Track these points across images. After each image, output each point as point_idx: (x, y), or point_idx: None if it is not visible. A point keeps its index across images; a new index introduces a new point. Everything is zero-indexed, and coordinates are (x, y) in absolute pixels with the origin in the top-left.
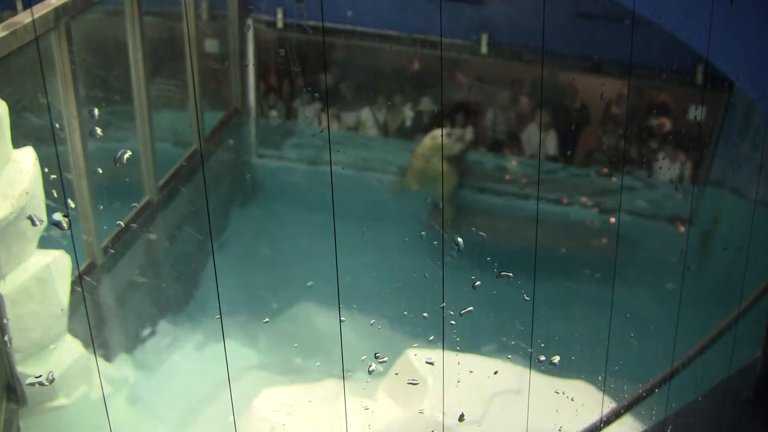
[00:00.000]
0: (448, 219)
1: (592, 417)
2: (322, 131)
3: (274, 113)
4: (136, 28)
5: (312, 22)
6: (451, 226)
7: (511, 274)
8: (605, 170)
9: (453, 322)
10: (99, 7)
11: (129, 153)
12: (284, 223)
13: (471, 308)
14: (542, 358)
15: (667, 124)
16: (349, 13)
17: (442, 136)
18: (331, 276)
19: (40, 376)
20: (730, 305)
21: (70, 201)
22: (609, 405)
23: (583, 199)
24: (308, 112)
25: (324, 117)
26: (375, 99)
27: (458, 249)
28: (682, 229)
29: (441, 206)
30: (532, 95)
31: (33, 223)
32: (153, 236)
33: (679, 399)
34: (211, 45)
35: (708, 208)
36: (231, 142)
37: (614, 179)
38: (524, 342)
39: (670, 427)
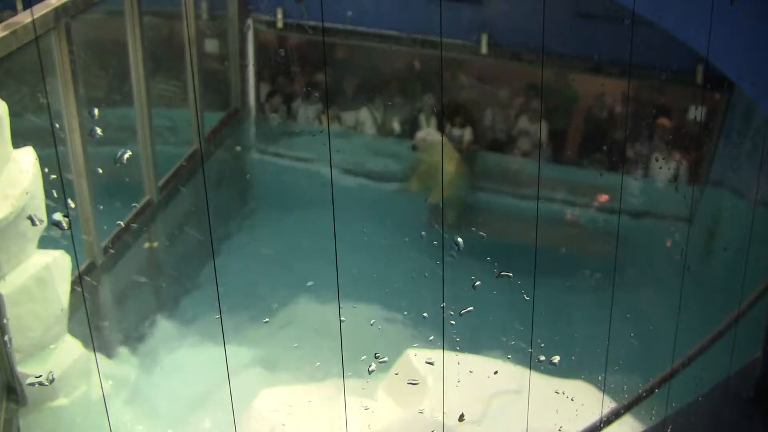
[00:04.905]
0: (450, 219)
1: (592, 417)
2: (321, 131)
3: (273, 113)
4: (136, 28)
5: (312, 22)
6: (457, 226)
7: (510, 274)
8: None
9: (453, 322)
10: (99, 7)
11: (129, 153)
12: (284, 222)
13: (471, 308)
14: (542, 358)
15: (667, 124)
16: (349, 13)
17: (442, 136)
18: (331, 276)
19: (40, 376)
20: (730, 305)
21: (70, 201)
22: (609, 405)
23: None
24: (308, 112)
25: (324, 117)
26: (374, 99)
27: (458, 249)
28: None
29: (442, 206)
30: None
31: (33, 223)
32: (152, 237)
33: (679, 399)
34: (211, 45)
35: (708, 208)
36: (230, 142)
37: (613, 178)
38: (524, 342)
39: (670, 427)
